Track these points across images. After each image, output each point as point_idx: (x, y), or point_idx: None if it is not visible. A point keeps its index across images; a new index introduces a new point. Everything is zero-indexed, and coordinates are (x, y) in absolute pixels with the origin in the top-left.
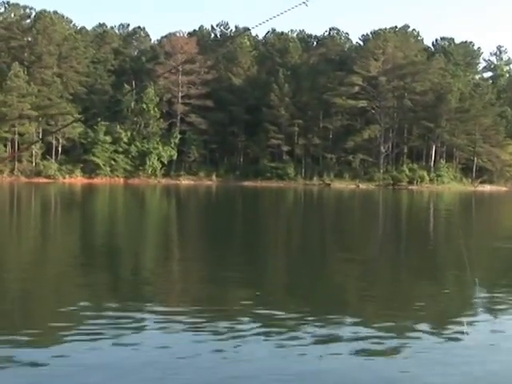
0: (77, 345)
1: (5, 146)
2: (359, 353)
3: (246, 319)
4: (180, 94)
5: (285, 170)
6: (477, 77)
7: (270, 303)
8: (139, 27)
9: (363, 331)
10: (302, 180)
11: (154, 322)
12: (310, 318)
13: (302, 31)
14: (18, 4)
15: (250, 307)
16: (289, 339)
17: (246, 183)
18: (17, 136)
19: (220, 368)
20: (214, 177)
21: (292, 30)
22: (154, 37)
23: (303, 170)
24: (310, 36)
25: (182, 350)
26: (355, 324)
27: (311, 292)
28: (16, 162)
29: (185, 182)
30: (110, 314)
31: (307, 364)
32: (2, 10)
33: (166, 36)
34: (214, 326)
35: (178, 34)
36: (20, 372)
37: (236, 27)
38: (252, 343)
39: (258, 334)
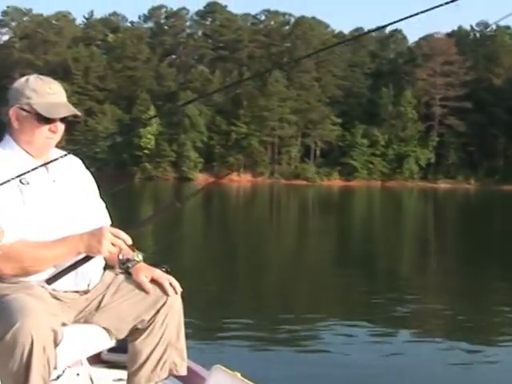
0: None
1: (265, 148)
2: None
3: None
4: (438, 96)
5: None
6: None
7: None
8: (396, 29)
9: None
10: None
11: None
12: None
13: None
14: (277, 11)
15: None
16: None
17: (506, 187)
18: (276, 139)
19: None
20: (472, 180)
21: None
22: (412, 39)
23: None
24: None
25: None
26: None
27: None
28: (275, 165)
29: (442, 185)
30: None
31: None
32: (263, 17)
33: (424, 37)
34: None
35: (435, 35)
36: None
37: (497, 26)
38: None
39: None
